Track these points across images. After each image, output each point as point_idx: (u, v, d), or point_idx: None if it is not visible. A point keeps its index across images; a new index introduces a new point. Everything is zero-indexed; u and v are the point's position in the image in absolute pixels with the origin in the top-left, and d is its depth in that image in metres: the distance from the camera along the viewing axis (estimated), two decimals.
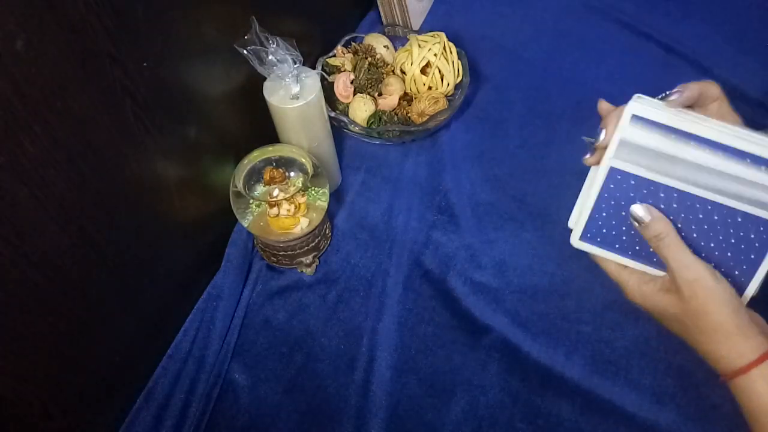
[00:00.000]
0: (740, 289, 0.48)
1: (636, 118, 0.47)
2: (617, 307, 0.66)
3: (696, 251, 0.47)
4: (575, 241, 0.52)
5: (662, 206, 0.48)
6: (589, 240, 0.51)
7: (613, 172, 0.48)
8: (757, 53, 0.90)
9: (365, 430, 0.59)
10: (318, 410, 0.61)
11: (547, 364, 0.62)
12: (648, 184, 0.48)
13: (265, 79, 0.66)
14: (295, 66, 0.64)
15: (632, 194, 0.48)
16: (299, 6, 0.79)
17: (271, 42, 0.61)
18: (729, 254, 0.48)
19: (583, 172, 0.75)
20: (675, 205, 0.47)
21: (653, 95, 0.77)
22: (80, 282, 0.51)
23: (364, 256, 0.72)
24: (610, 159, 0.48)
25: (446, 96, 0.84)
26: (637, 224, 0.48)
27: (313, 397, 0.62)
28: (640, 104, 0.47)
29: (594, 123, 0.88)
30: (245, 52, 0.60)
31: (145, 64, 0.51)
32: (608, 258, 0.51)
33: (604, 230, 0.50)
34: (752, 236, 0.47)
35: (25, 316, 0.46)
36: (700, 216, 0.47)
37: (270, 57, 0.61)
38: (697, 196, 0.47)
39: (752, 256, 0.47)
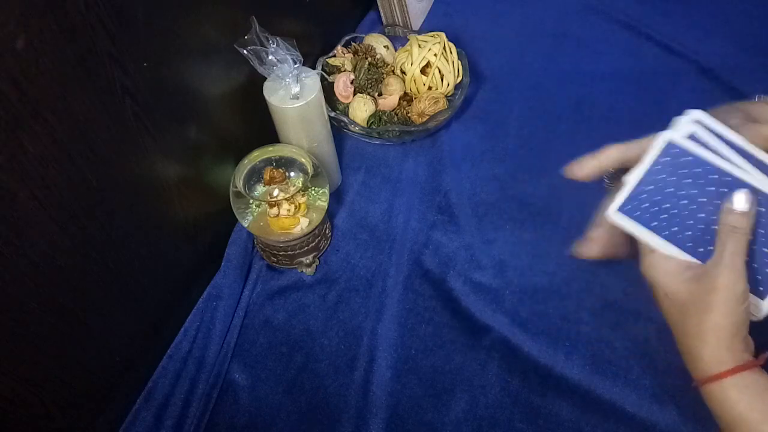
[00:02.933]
0: None
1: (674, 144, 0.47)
2: (617, 307, 0.66)
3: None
4: (612, 212, 0.50)
5: (712, 189, 0.46)
6: (627, 213, 0.49)
7: (669, 146, 0.47)
8: (757, 53, 0.90)
9: (365, 430, 0.59)
10: (318, 410, 0.61)
11: (547, 364, 0.62)
12: (705, 165, 0.46)
13: (265, 79, 0.66)
14: (295, 66, 0.64)
15: (681, 172, 0.47)
16: (299, 6, 0.79)
17: (271, 42, 0.61)
18: (765, 250, 0.46)
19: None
20: (725, 190, 0.46)
21: (652, 96, 0.77)
22: (80, 282, 0.51)
23: (364, 256, 0.72)
24: (669, 133, 0.47)
25: (446, 96, 0.84)
26: (728, 206, 0.46)
27: (313, 397, 0.62)
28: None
29: (593, 123, 0.89)
30: (245, 52, 0.60)
31: (145, 64, 0.51)
32: (640, 236, 0.49)
33: (645, 205, 0.48)
34: None
35: (25, 316, 0.46)
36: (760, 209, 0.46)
37: (270, 57, 0.62)
38: (757, 188, 0.45)
39: None
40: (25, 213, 0.43)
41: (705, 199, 0.47)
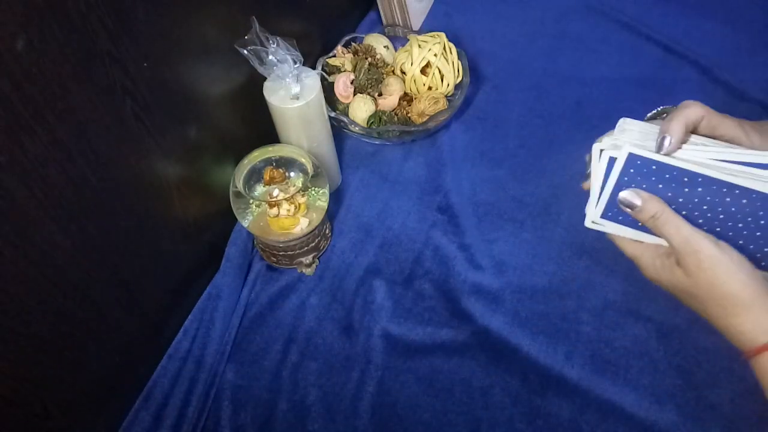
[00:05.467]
0: None
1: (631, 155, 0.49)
2: (617, 307, 0.66)
3: (722, 231, 0.47)
4: (592, 220, 0.52)
5: (686, 190, 0.47)
6: (609, 218, 0.51)
7: (631, 157, 0.48)
8: (757, 53, 0.90)
9: (363, 429, 0.59)
10: (316, 410, 0.61)
11: (547, 364, 0.62)
12: (670, 169, 0.47)
13: (265, 79, 0.66)
14: (296, 66, 0.64)
15: (653, 179, 0.48)
16: (299, 6, 0.79)
17: (271, 42, 0.61)
18: (758, 233, 0.47)
19: (583, 173, 0.75)
20: (700, 189, 0.47)
21: (652, 96, 0.77)
22: (80, 282, 0.51)
23: (364, 256, 0.72)
24: (628, 147, 0.48)
25: (446, 96, 0.84)
26: (630, 210, 0.48)
27: (311, 397, 0.62)
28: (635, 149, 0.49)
29: (593, 123, 0.89)
30: (245, 52, 0.60)
31: (145, 64, 0.51)
32: (626, 234, 0.51)
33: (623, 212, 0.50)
34: None
35: (25, 316, 0.46)
36: (727, 200, 0.46)
37: (270, 57, 0.62)
38: (720, 180, 0.46)
39: None
40: (25, 213, 0.43)
41: (681, 200, 0.48)
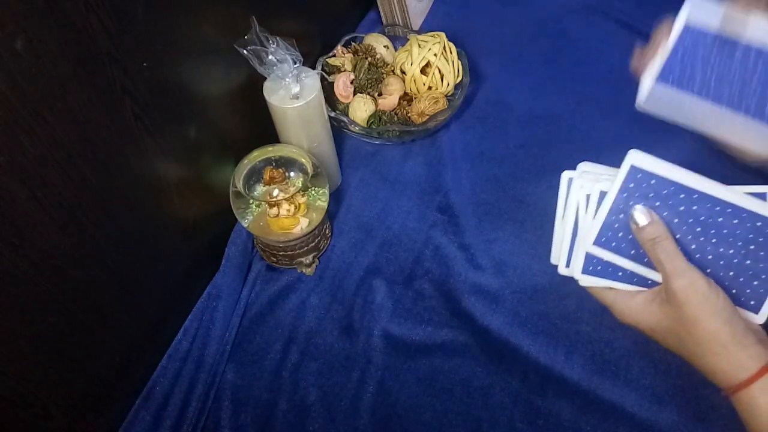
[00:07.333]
0: (761, 299, 0.47)
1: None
2: None
3: (713, 259, 0.47)
4: (588, 247, 0.50)
5: (682, 208, 0.47)
6: (603, 246, 0.50)
7: (633, 171, 0.47)
8: None
9: (362, 429, 0.59)
10: (316, 410, 0.61)
11: (547, 364, 0.62)
12: (669, 184, 0.47)
13: (265, 79, 0.66)
14: (295, 66, 0.64)
15: (651, 195, 0.48)
16: (299, 6, 0.79)
17: (271, 42, 0.61)
18: (748, 262, 0.46)
19: None
20: (695, 208, 0.46)
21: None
22: (80, 282, 0.51)
23: (364, 255, 0.72)
24: (630, 158, 0.48)
25: (446, 96, 0.84)
26: (634, 227, 0.48)
27: (311, 397, 0.62)
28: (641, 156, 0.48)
29: (593, 123, 0.89)
30: (245, 52, 0.60)
31: (145, 64, 0.51)
32: (620, 264, 0.50)
33: (620, 234, 0.49)
34: None
35: (25, 316, 0.46)
36: (720, 220, 0.46)
37: (270, 57, 0.62)
38: (715, 197, 0.46)
39: None
40: (25, 213, 0.43)
41: (677, 220, 0.47)
